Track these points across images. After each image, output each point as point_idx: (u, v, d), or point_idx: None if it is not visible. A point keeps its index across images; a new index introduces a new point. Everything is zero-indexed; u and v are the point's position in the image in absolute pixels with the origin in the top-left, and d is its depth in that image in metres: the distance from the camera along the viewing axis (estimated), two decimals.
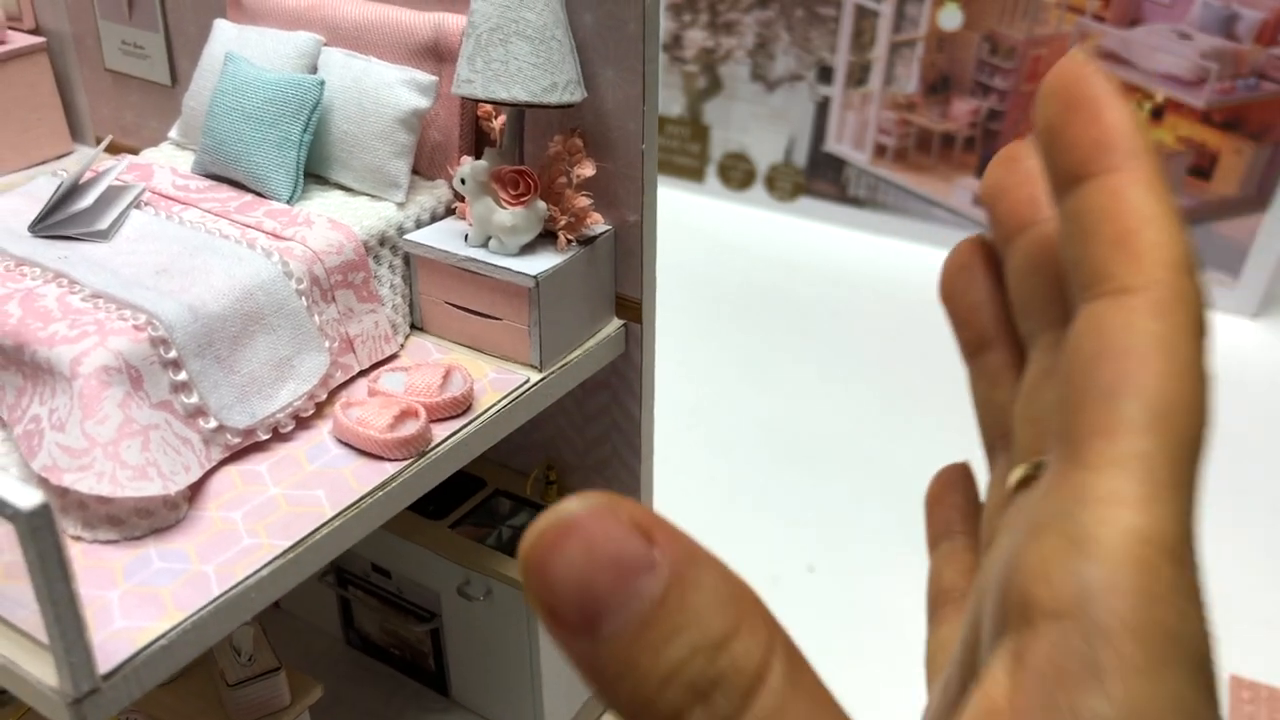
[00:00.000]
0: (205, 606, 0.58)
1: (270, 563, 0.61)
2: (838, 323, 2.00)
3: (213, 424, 0.67)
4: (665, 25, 2.17)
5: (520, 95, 0.72)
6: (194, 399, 0.66)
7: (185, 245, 0.73)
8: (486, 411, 0.73)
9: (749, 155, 2.33)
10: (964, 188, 2.21)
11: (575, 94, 0.74)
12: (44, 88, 1.09)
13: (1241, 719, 1.32)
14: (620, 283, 0.83)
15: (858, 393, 1.81)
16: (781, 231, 2.30)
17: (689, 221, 2.21)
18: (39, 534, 0.48)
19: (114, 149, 1.11)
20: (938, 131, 2.20)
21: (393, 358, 0.78)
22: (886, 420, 1.73)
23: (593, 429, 0.90)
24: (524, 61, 0.72)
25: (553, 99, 0.73)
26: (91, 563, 0.60)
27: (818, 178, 2.31)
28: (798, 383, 1.81)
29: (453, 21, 0.79)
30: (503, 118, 0.79)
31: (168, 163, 0.85)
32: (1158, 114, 2.05)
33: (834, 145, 2.27)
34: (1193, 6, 1.96)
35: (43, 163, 1.10)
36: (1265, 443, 1.79)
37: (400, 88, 0.78)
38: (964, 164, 2.19)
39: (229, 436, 0.68)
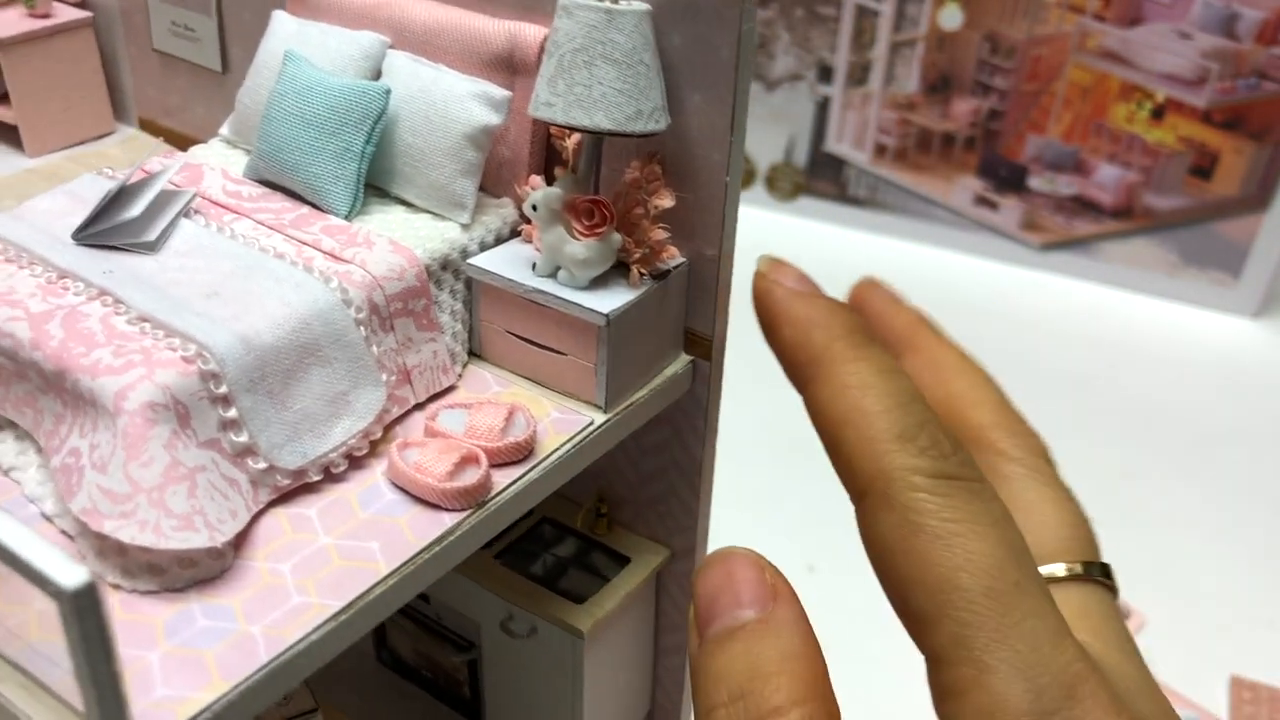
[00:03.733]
0: (252, 675, 0.54)
1: (321, 626, 0.57)
2: None
3: (262, 465, 0.62)
4: None
5: (603, 123, 0.67)
6: (243, 438, 0.62)
7: (238, 264, 0.69)
8: (549, 457, 0.69)
9: (749, 155, 2.32)
10: (964, 188, 2.20)
11: (660, 122, 0.69)
12: (88, 65, 1.04)
13: (1242, 719, 1.31)
14: (691, 317, 0.78)
15: None
16: (781, 231, 2.26)
17: None
18: (84, 615, 0.44)
19: (156, 132, 1.07)
20: (938, 131, 2.17)
21: (450, 389, 0.74)
22: None
23: (649, 463, 0.86)
24: (609, 87, 0.67)
25: (637, 128, 0.68)
26: (130, 616, 0.57)
27: (818, 178, 2.28)
28: None
29: (529, 32, 0.74)
30: (577, 138, 0.74)
31: (219, 164, 0.81)
32: (1158, 114, 2.03)
33: (834, 145, 2.25)
34: (1193, 6, 1.94)
35: (83, 142, 1.06)
36: (1265, 442, 1.78)
37: (471, 101, 0.73)
38: (964, 164, 2.17)
39: (279, 478, 0.63)
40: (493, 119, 0.73)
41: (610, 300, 0.71)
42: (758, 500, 1.48)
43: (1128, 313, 2.11)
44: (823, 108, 2.21)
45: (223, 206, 0.76)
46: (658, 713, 0.97)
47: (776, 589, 0.37)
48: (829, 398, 0.37)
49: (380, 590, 0.59)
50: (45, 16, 1.01)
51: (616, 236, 0.71)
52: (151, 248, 0.70)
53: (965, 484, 0.34)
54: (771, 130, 2.26)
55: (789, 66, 2.18)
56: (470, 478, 0.64)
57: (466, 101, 0.73)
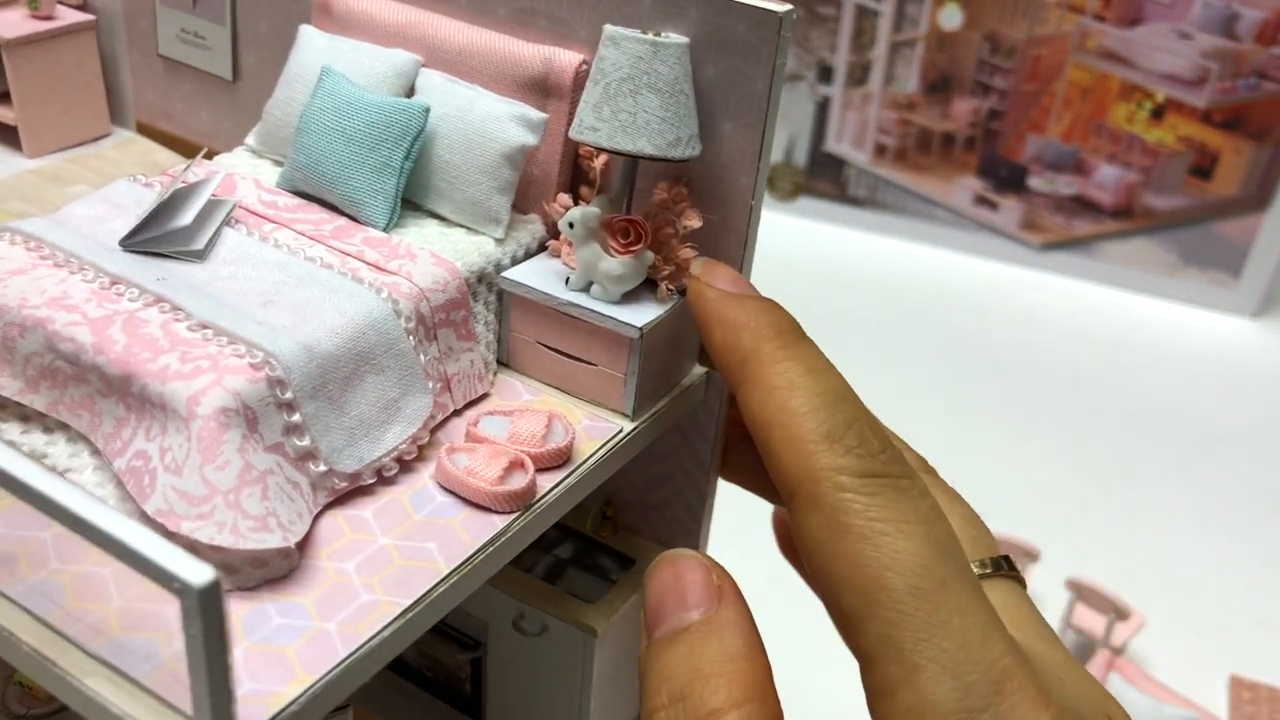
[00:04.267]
0: (333, 669, 0.56)
1: (392, 622, 0.60)
2: (836, 322, 2.00)
3: (322, 468, 0.65)
4: None
5: (646, 148, 0.71)
6: (306, 442, 0.64)
7: (287, 274, 0.71)
8: (585, 462, 0.73)
9: None
10: (964, 188, 2.23)
11: (695, 148, 0.73)
12: (89, 67, 1.04)
13: (1241, 719, 1.35)
14: None
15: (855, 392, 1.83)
16: (781, 231, 2.29)
17: None
18: (208, 611, 0.47)
19: (154, 135, 1.08)
20: (938, 131, 2.21)
21: (483, 397, 0.77)
22: (884, 420, 1.74)
23: (658, 469, 0.90)
24: (652, 115, 0.71)
25: (676, 153, 0.72)
26: None
27: (818, 177, 2.31)
28: None
29: (564, 58, 0.77)
30: (604, 158, 0.78)
31: (249, 173, 0.82)
32: (1158, 114, 2.07)
33: (834, 145, 2.28)
34: (1193, 6, 1.98)
35: (80, 144, 1.06)
36: (1265, 443, 1.82)
37: (509, 123, 0.76)
38: (964, 164, 2.20)
39: (336, 481, 0.66)
40: (530, 140, 0.77)
41: (641, 314, 0.75)
42: (755, 500, 1.51)
43: (1128, 313, 2.13)
44: (823, 108, 2.24)
45: (261, 216, 0.77)
46: None
47: (722, 590, 0.37)
48: (758, 400, 0.37)
49: (444, 588, 0.62)
50: (48, 18, 1.01)
51: (649, 254, 0.75)
52: (200, 256, 0.72)
53: (893, 481, 0.33)
54: None
55: (789, 66, 2.21)
56: (518, 482, 0.67)
57: (505, 122, 0.76)
